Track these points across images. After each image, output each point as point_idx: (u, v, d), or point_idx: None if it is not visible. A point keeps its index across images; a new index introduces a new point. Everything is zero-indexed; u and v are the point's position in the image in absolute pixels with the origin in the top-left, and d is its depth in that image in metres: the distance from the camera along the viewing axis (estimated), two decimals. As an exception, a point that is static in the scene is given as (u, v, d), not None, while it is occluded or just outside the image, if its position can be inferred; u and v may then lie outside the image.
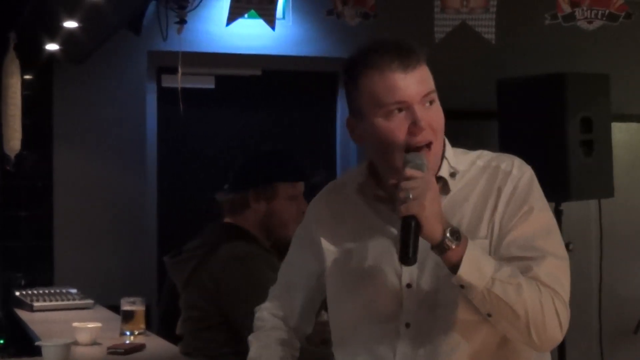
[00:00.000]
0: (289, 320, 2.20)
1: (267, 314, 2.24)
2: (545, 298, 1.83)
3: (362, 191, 2.03)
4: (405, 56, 1.89)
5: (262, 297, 2.34)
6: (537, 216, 1.91)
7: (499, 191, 1.92)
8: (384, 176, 1.95)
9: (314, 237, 2.09)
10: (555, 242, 1.92)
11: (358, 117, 1.95)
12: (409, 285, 1.93)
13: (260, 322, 2.23)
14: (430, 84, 1.91)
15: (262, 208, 2.99)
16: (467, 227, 1.90)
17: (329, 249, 2.05)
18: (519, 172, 1.94)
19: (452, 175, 1.96)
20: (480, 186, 1.95)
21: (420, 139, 1.88)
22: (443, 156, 1.97)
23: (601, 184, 5.02)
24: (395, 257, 1.88)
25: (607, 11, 3.63)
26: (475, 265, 1.80)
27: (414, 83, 1.88)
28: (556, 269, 1.87)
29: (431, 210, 1.78)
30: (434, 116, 1.90)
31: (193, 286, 2.92)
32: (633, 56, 6.07)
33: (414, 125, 1.87)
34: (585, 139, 4.88)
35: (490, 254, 1.88)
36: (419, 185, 1.79)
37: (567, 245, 5.30)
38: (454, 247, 1.79)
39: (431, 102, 1.90)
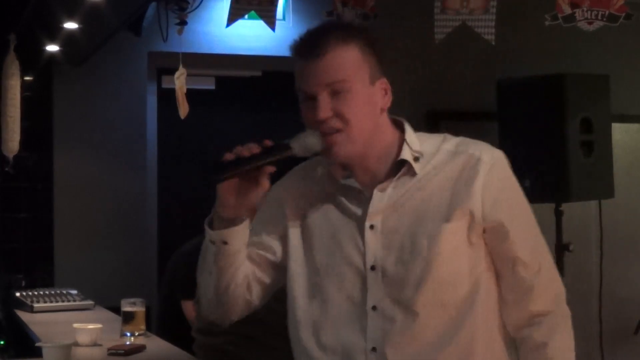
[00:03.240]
0: None
1: None
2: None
3: (331, 173, 2.02)
4: (310, 44, 1.88)
5: None
6: (521, 213, 2.01)
7: (471, 177, 1.92)
8: None
9: (283, 212, 2.06)
10: (542, 242, 2.05)
11: None
12: (372, 268, 1.92)
13: None
14: (338, 74, 1.87)
15: None
16: (433, 211, 1.90)
17: (294, 227, 2.03)
18: (490, 159, 1.95)
19: (416, 159, 1.95)
20: (449, 170, 1.94)
21: (324, 127, 1.88)
22: (404, 141, 1.96)
23: (601, 185, 5.02)
24: (359, 238, 1.91)
25: (607, 12, 3.63)
26: None
27: (316, 72, 1.87)
28: (551, 273, 2.04)
29: None
30: (341, 105, 1.87)
31: None
32: (633, 57, 6.07)
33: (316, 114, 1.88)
34: (585, 140, 4.87)
35: (466, 239, 1.90)
36: None
37: (567, 246, 5.28)
38: None
39: (336, 93, 1.87)
